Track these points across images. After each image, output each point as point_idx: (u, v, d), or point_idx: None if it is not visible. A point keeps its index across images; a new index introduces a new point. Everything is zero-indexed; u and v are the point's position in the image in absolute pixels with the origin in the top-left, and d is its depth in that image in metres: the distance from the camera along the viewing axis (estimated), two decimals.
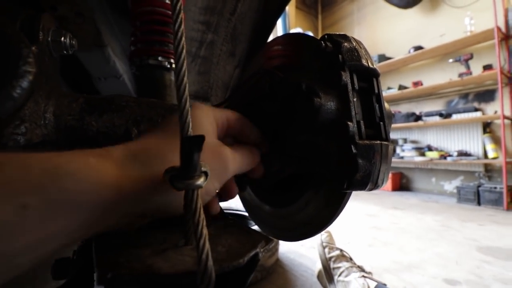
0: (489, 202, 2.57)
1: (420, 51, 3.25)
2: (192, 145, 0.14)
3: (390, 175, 3.47)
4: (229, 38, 0.78)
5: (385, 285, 0.73)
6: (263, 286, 1.05)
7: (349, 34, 0.26)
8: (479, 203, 2.65)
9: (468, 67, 2.87)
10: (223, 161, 0.23)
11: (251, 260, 0.17)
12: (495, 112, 2.74)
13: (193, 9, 0.66)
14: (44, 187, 0.14)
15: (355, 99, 0.23)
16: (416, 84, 3.30)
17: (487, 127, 2.94)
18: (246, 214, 1.47)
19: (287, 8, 3.49)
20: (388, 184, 3.51)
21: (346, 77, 0.23)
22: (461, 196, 2.81)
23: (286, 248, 1.46)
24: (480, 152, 2.96)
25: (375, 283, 0.72)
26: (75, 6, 0.40)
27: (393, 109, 3.84)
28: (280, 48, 0.31)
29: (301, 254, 1.39)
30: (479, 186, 2.68)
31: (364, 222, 2.02)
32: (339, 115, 0.23)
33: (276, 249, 1.18)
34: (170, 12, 0.43)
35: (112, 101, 0.25)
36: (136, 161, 0.18)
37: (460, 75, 2.88)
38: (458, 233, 1.76)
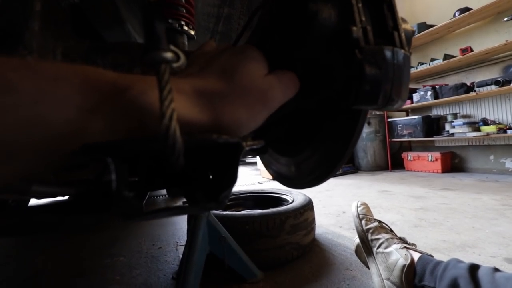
0: None
1: (467, 13, 2.88)
2: (152, 11, 0.13)
3: (438, 155, 3.17)
4: (245, 11, 0.77)
5: (431, 256, 0.67)
6: (300, 264, 1.04)
7: None
8: None
9: None
10: (264, 93, 0.21)
11: (232, 145, 0.16)
12: None
13: None
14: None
15: (360, 5, 0.21)
16: (464, 51, 2.94)
17: None
18: (277, 195, 1.47)
19: None
20: (437, 165, 3.22)
21: None
22: None
23: (324, 229, 1.43)
24: None
25: (419, 254, 0.67)
26: None
27: (439, 82, 3.49)
28: None
29: (339, 234, 1.35)
30: None
31: (409, 204, 1.89)
32: (340, 20, 0.21)
33: (312, 228, 1.16)
34: None
35: (116, 44, 0.26)
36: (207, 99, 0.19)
37: None
38: None
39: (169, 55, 0.14)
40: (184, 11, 0.45)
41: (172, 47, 0.14)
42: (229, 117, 0.19)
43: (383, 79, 0.20)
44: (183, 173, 0.20)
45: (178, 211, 0.19)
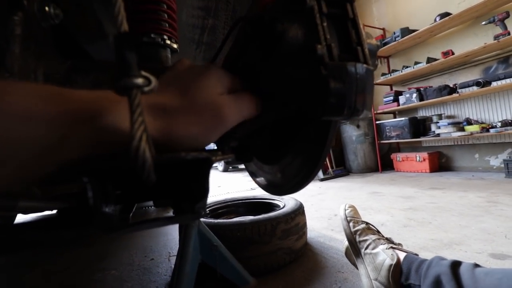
0: None
1: (447, 18, 2.99)
2: (122, 41, 0.15)
3: (426, 155, 3.25)
4: (229, 21, 0.78)
5: (416, 255, 0.69)
6: (292, 269, 1.05)
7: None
8: None
9: (504, 27, 2.59)
10: (217, 111, 0.22)
11: (201, 161, 0.17)
12: None
13: None
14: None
15: (324, 24, 0.22)
16: (446, 54, 3.05)
17: None
18: (268, 200, 1.48)
19: None
20: (425, 165, 3.29)
21: (311, 1, 0.22)
22: (509, 170, 2.55)
23: (316, 233, 1.44)
24: None
25: (405, 254, 0.69)
26: None
27: (423, 84, 3.59)
28: None
29: (331, 237, 1.36)
30: None
31: (398, 204, 1.92)
32: (306, 39, 0.22)
33: (303, 232, 1.17)
34: None
35: (98, 62, 0.27)
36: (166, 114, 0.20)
37: (496, 37, 2.61)
38: (507, 208, 1.61)
39: (139, 80, 0.15)
40: (167, 25, 0.46)
41: (143, 73, 0.15)
42: (180, 132, 0.20)
43: (347, 93, 0.22)
44: (160, 186, 0.21)
45: (159, 222, 0.20)
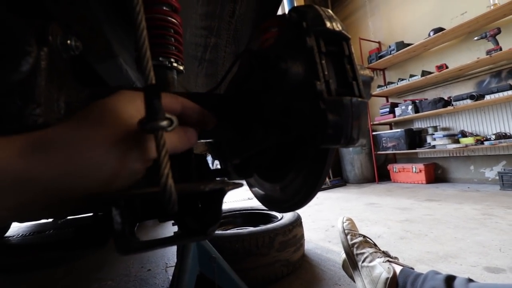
0: None
1: (440, 33, 3.08)
2: (150, 92, 0.17)
3: (422, 166, 3.29)
4: (231, 40, 0.82)
5: (412, 268, 0.71)
6: (290, 281, 1.05)
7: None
8: None
9: (496, 42, 2.68)
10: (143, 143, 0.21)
11: (216, 191, 0.19)
12: None
13: (194, 16, 0.71)
14: None
15: (323, 61, 0.25)
16: (440, 68, 3.13)
17: None
18: (266, 211, 1.48)
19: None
20: (421, 176, 3.32)
21: (311, 41, 0.24)
22: (504, 182, 2.58)
23: (314, 245, 1.45)
24: None
25: (401, 267, 0.70)
26: (86, 23, 0.46)
27: (419, 96, 3.66)
28: (262, 31, 0.34)
29: (328, 249, 1.37)
30: None
31: (395, 216, 1.94)
32: (306, 76, 0.24)
33: (301, 244, 1.18)
34: (166, 17, 0.48)
35: (113, 89, 0.29)
36: (36, 150, 0.18)
37: (489, 52, 2.69)
38: (502, 221, 1.63)
39: (164, 123, 0.17)
40: (174, 48, 0.49)
41: (167, 115, 0.17)
42: (50, 169, 0.18)
43: (344, 124, 0.24)
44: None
45: (172, 242, 0.21)
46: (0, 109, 0.20)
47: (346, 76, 0.26)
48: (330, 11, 0.27)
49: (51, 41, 0.26)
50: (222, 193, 0.20)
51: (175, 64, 0.48)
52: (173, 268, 1.21)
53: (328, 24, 0.25)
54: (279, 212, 0.40)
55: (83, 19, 0.45)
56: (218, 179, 0.36)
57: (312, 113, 0.24)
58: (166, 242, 0.20)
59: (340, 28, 0.26)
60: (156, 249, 0.20)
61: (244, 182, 0.39)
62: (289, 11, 0.27)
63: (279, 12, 0.86)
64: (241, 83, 0.35)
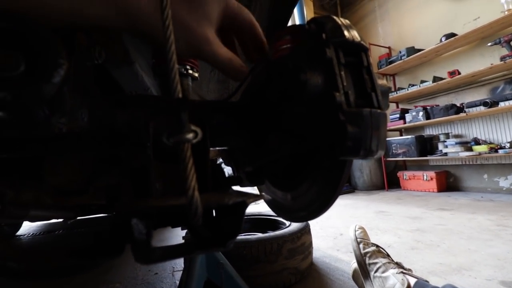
0: None
1: (452, 38, 3.04)
2: (178, 105, 0.17)
3: (433, 174, 3.22)
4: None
5: (427, 281, 0.69)
6: None
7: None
8: None
9: (510, 48, 2.62)
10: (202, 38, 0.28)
11: (238, 204, 0.19)
12: None
13: None
14: None
15: (342, 72, 0.25)
16: (452, 74, 3.08)
17: None
18: (274, 217, 1.47)
19: (305, 14, 3.51)
20: (432, 184, 3.25)
21: (330, 52, 0.24)
22: None
23: (322, 253, 1.43)
24: None
25: (415, 279, 0.68)
26: (106, 31, 0.47)
27: (430, 103, 3.60)
28: (275, 39, 0.34)
29: (337, 258, 1.35)
30: None
31: (405, 225, 1.89)
32: (326, 87, 0.24)
33: (309, 252, 1.16)
34: None
35: (134, 98, 0.30)
36: None
37: (503, 58, 2.63)
38: None
39: (190, 136, 0.17)
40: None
41: (193, 127, 0.18)
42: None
43: (363, 136, 0.24)
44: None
45: (190, 253, 0.22)
46: (28, 118, 0.20)
47: (364, 87, 0.26)
48: (348, 21, 0.27)
49: (78, 51, 0.27)
50: (244, 206, 0.20)
51: (190, 71, 0.48)
52: (180, 273, 1.21)
53: (347, 35, 0.25)
54: (290, 221, 0.39)
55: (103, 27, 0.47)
56: (234, 188, 0.36)
57: (331, 124, 0.24)
58: (184, 252, 0.20)
59: (359, 38, 0.26)
60: (175, 259, 0.20)
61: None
62: (308, 22, 0.27)
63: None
64: (257, 91, 0.35)
